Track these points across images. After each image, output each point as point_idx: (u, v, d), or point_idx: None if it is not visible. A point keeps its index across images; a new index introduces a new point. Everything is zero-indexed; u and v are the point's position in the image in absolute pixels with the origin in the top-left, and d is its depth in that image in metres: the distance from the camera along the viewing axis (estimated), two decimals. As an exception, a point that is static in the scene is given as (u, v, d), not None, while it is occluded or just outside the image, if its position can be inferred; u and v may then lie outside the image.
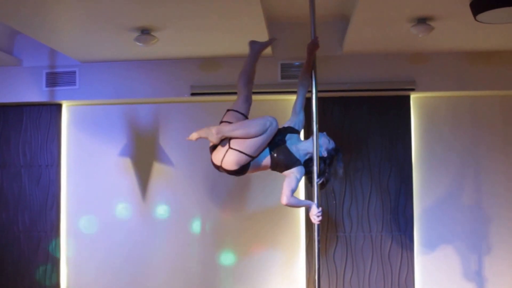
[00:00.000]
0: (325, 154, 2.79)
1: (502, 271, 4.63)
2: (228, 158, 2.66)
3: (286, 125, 2.91)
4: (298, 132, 2.92)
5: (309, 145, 2.80)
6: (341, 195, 4.72)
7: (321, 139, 2.80)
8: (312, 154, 2.75)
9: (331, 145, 2.84)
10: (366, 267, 4.66)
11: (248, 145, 2.64)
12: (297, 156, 2.77)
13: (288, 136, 2.81)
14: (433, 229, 4.71)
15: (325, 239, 4.67)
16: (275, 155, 2.74)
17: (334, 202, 4.71)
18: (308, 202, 2.84)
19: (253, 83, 2.92)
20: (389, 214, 4.67)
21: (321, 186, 2.80)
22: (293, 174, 2.73)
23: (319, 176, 2.75)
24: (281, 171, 2.79)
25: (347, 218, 4.70)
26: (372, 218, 4.69)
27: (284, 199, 2.69)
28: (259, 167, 2.77)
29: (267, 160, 2.75)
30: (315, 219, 2.76)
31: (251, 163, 2.71)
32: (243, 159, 2.65)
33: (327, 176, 2.80)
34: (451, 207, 4.71)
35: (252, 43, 2.99)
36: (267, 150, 2.74)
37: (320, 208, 2.77)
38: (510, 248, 4.65)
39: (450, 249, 4.69)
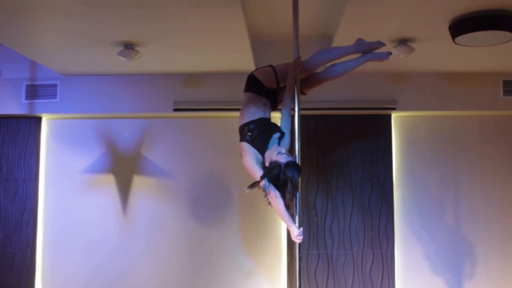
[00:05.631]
0: (266, 164, 2.66)
1: (482, 287, 4.69)
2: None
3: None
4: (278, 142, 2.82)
5: (269, 152, 2.68)
6: (323, 212, 4.73)
7: (269, 149, 2.69)
8: (266, 162, 2.67)
9: (281, 159, 2.61)
10: (347, 285, 4.65)
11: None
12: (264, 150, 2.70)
13: (277, 136, 2.76)
14: (413, 246, 4.75)
15: (307, 256, 4.65)
16: (254, 128, 2.71)
17: (316, 219, 4.72)
18: (290, 221, 2.71)
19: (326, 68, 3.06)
20: (370, 231, 4.69)
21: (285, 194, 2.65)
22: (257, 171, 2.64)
23: (270, 181, 2.61)
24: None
25: (328, 236, 4.70)
26: (353, 236, 4.70)
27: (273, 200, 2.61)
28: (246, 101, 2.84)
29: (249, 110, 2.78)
30: (298, 238, 2.73)
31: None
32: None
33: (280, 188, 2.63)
34: (431, 224, 4.76)
35: (361, 41, 3.03)
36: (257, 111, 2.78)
37: (301, 229, 2.73)
38: (489, 264, 4.71)
39: (430, 266, 4.72)
